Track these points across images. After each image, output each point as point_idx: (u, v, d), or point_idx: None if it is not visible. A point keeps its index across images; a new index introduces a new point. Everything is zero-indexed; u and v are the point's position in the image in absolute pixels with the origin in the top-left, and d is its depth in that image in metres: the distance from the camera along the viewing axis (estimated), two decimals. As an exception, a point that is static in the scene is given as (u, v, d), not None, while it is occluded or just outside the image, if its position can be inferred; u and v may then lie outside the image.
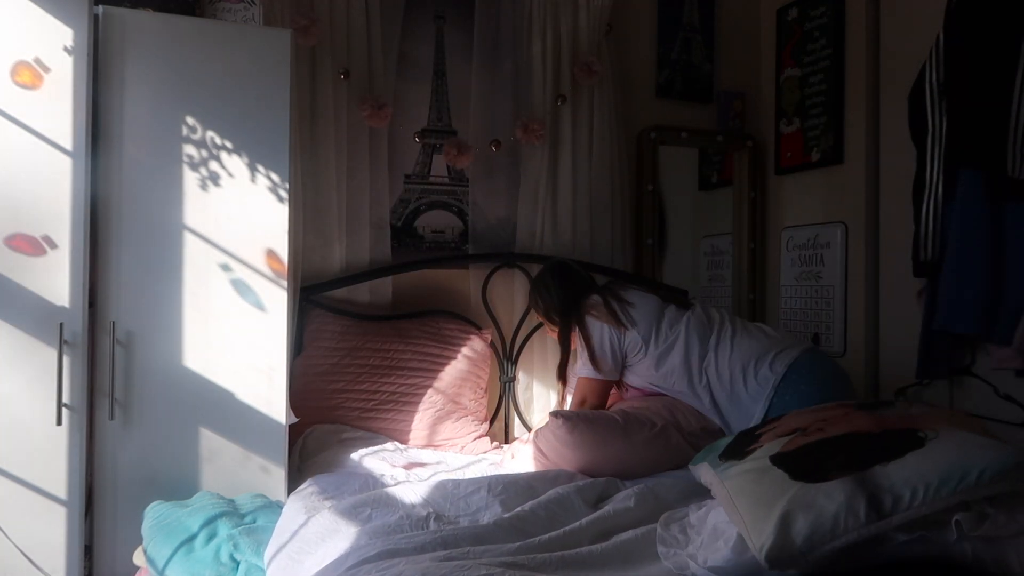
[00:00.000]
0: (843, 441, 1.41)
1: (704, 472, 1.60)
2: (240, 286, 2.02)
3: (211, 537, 1.74)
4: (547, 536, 1.54)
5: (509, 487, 1.84)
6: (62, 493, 1.85)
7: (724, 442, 1.68)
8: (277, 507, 1.89)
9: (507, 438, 2.75)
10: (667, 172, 3.15)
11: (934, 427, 1.37)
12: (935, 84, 2.40)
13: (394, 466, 2.15)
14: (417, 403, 2.46)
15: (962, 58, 2.34)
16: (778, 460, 1.40)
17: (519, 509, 1.69)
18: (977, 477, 1.24)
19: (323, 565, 1.49)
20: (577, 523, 1.61)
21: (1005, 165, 2.24)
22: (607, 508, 1.72)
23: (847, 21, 2.87)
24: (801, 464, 1.36)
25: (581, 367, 2.39)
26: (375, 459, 2.20)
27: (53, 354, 1.84)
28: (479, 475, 2.14)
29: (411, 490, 1.82)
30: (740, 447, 1.57)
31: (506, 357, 2.76)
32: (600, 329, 2.35)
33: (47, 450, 1.84)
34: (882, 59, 2.78)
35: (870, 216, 2.80)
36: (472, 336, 2.62)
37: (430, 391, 2.48)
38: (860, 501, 1.23)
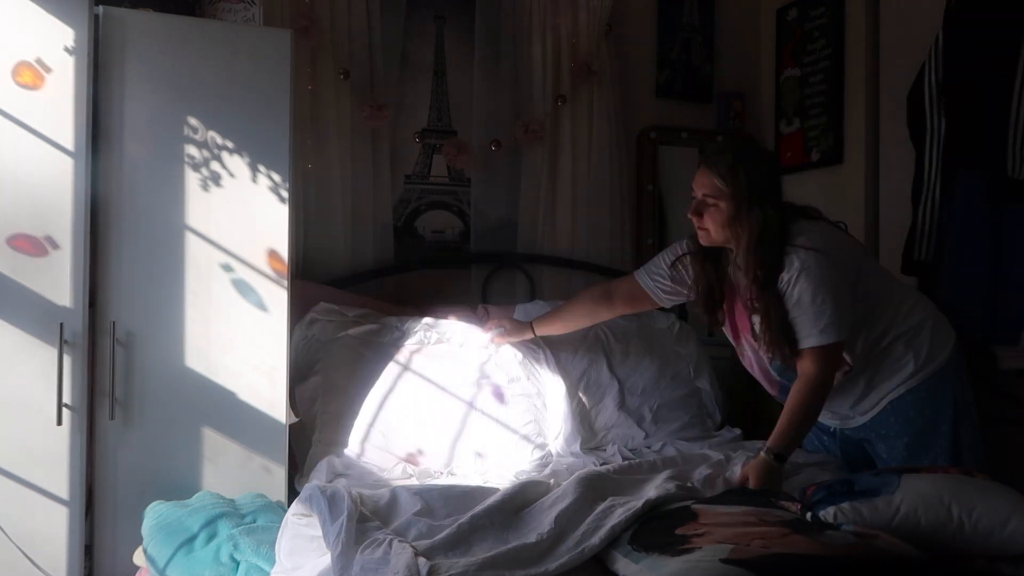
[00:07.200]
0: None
1: (621, 566, 1.41)
2: (242, 286, 2.02)
3: (211, 537, 1.74)
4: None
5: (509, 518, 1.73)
6: (63, 493, 1.85)
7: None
8: (277, 507, 1.89)
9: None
10: (667, 172, 3.14)
11: None
12: (934, 84, 2.40)
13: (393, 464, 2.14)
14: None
15: (961, 58, 2.34)
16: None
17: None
18: None
19: None
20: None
21: (1005, 166, 2.24)
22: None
23: (847, 21, 2.86)
24: None
25: (808, 333, 1.76)
26: (374, 458, 2.19)
27: (53, 354, 1.83)
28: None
29: (407, 494, 1.78)
30: (664, 541, 1.41)
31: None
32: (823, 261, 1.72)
33: (47, 450, 1.84)
34: (882, 59, 2.78)
35: (870, 216, 2.79)
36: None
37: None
38: None
